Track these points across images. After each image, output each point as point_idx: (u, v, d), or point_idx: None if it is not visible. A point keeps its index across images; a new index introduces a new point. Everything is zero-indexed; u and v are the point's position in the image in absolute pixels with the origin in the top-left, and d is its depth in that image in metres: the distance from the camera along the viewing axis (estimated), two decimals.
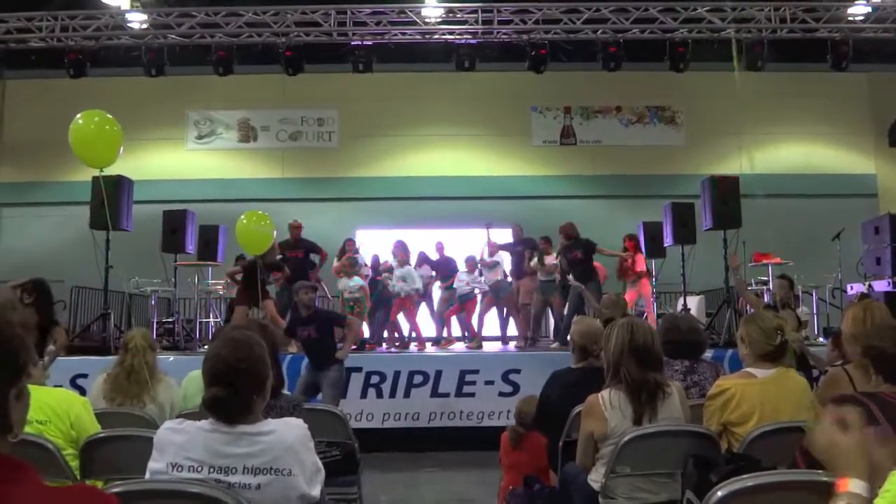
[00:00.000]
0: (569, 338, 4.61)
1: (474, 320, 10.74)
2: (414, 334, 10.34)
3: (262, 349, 2.26)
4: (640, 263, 10.84)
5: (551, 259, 10.29)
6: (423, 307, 10.90)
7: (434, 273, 10.92)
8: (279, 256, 9.84)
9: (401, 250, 10.40)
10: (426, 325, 10.79)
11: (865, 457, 1.48)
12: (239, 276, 9.23)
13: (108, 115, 6.65)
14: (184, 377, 4.53)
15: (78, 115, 6.57)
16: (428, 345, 10.42)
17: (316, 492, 2.25)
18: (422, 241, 11.65)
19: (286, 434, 2.21)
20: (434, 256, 11.04)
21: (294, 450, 2.19)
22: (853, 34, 12.47)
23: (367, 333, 10.36)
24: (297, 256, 10.26)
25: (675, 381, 3.45)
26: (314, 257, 10.60)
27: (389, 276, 10.26)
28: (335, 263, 10.43)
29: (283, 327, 7.48)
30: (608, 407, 3.21)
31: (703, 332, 5.36)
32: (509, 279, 10.70)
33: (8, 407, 1.26)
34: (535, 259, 10.20)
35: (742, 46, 12.52)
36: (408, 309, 10.23)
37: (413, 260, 10.64)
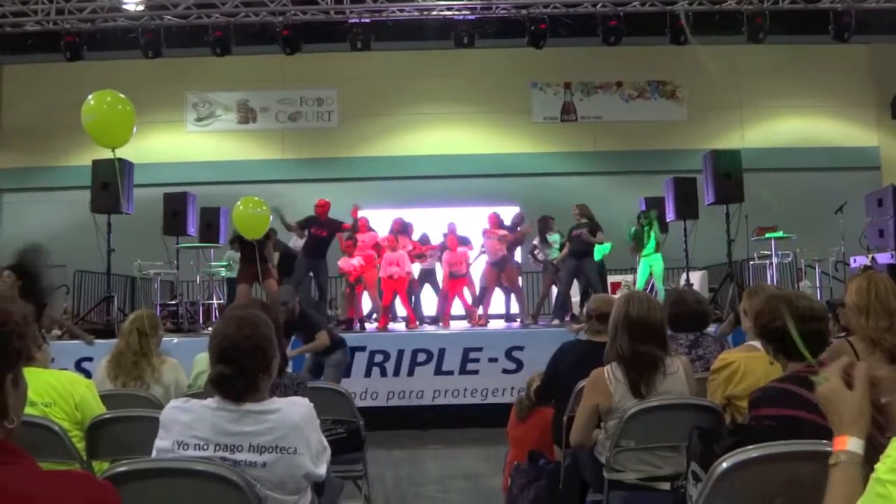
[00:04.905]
0: (584, 310, 4.63)
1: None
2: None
3: (268, 328, 2.26)
4: None
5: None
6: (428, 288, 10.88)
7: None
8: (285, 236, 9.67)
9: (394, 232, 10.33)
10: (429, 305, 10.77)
11: (867, 414, 1.46)
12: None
13: (121, 95, 6.53)
14: (187, 359, 4.54)
15: (90, 96, 6.44)
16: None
17: (322, 470, 2.26)
18: (423, 219, 11.61)
19: (292, 413, 2.21)
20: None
21: (300, 428, 2.20)
22: (855, 5, 12.35)
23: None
24: (322, 235, 10.12)
25: (680, 356, 3.45)
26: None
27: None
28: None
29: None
30: (613, 380, 3.22)
31: (709, 304, 5.38)
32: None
33: (4, 393, 1.26)
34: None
35: (744, 18, 12.40)
36: (400, 292, 10.14)
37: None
